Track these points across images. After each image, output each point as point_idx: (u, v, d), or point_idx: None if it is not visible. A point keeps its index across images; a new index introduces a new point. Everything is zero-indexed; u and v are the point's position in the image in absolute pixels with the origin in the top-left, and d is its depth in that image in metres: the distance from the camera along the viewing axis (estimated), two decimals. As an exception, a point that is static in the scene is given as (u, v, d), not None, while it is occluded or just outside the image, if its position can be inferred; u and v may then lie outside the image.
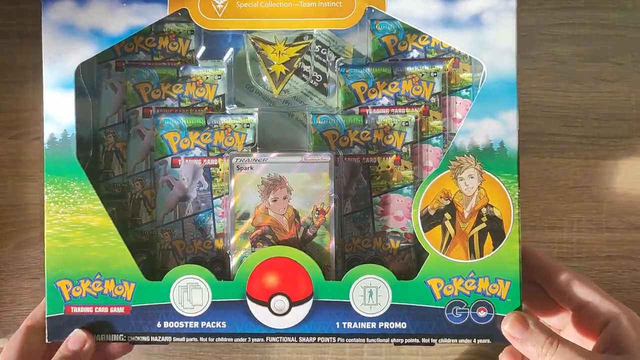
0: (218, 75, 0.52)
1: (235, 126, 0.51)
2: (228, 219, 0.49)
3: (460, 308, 0.48)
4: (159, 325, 0.48)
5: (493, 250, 0.48)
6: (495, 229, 0.48)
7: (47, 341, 0.48)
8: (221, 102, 0.52)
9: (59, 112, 0.49)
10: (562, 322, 0.50)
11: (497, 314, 0.48)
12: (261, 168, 0.49)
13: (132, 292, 0.49)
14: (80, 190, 0.49)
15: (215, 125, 0.51)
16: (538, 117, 0.63)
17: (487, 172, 0.48)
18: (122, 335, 0.49)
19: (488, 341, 0.48)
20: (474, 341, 0.48)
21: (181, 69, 0.52)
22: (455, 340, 0.48)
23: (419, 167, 0.52)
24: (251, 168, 0.49)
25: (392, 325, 0.48)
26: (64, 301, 0.49)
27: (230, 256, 0.49)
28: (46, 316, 0.49)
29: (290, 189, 0.49)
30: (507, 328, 0.46)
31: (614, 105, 0.63)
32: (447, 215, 0.48)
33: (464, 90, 0.52)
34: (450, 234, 0.48)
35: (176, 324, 0.49)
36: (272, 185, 0.49)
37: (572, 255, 0.63)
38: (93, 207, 0.49)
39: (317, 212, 0.49)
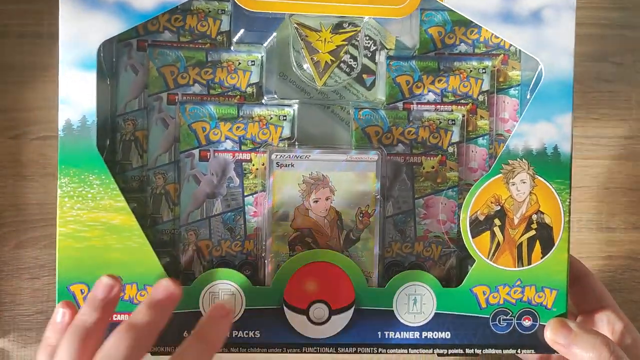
0: (252, 61, 0.47)
1: (271, 118, 0.46)
2: (265, 219, 0.45)
3: (505, 317, 0.46)
4: (186, 334, 0.44)
5: (541, 258, 0.46)
6: (544, 237, 0.46)
7: None
8: (254, 90, 0.47)
9: (77, 95, 0.43)
10: None
11: (542, 323, 0.46)
12: (303, 166, 0.45)
13: (157, 298, 0.43)
14: (100, 184, 0.43)
15: (248, 117, 0.46)
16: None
17: (539, 178, 0.46)
18: (146, 344, 0.44)
19: (532, 352, 0.46)
20: (519, 351, 0.46)
21: (211, 52, 0.47)
22: (500, 351, 0.46)
23: (463, 168, 0.49)
24: (292, 165, 0.45)
25: (435, 335, 0.46)
26: (78, 307, 0.43)
27: (265, 260, 0.45)
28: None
29: (334, 189, 0.45)
30: (550, 334, 0.44)
31: (614, 105, 0.63)
32: (497, 222, 0.46)
33: (512, 89, 0.49)
34: (498, 241, 0.46)
35: (205, 333, 0.44)
36: (314, 185, 0.45)
37: (572, 255, 0.63)
38: (114, 204, 0.43)
39: (361, 214, 0.45)
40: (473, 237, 0.45)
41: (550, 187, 0.46)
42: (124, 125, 0.47)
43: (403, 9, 0.44)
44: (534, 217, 0.46)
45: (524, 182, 0.45)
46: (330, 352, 0.45)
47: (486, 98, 0.48)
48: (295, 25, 0.45)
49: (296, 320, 0.44)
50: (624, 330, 0.46)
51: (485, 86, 0.48)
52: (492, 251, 0.46)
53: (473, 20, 0.45)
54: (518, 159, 0.45)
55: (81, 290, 0.43)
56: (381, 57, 0.48)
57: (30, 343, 0.60)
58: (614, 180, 0.64)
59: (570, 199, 0.46)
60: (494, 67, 0.49)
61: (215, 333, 0.40)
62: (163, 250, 0.47)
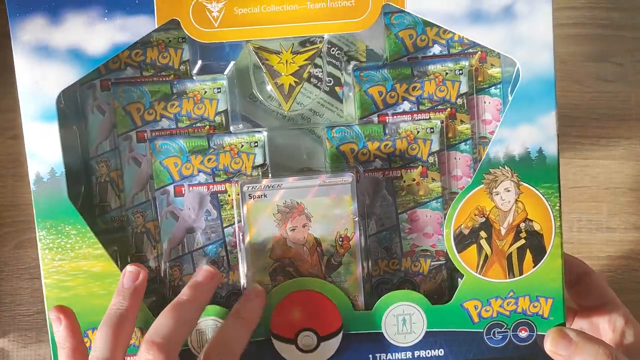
0: (218, 89, 0.46)
1: (242, 146, 0.45)
2: (243, 253, 0.44)
3: (500, 330, 0.45)
4: (177, 371, 0.44)
5: (533, 267, 0.44)
6: (535, 245, 0.44)
7: None
8: (224, 119, 0.46)
9: (42, 148, 0.43)
10: None
11: (539, 332, 0.44)
12: (275, 195, 0.44)
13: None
14: (77, 234, 0.43)
15: (219, 147, 0.45)
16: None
17: (524, 184, 0.43)
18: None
19: (531, 363, 0.45)
20: (517, 363, 0.45)
21: (175, 83, 0.46)
22: (497, 364, 0.45)
23: (446, 176, 0.47)
24: (264, 195, 0.44)
25: (428, 353, 0.45)
26: (72, 353, 0.44)
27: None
28: (54, 370, 0.45)
29: (310, 216, 0.44)
30: (550, 346, 0.43)
31: (614, 105, 0.62)
32: (483, 234, 0.44)
33: (493, 87, 0.46)
34: (486, 253, 0.44)
35: (196, 370, 0.45)
36: (289, 213, 0.44)
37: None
38: (93, 252, 0.43)
39: (340, 239, 0.44)
40: (459, 252, 0.44)
41: (538, 192, 0.43)
42: (97, 168, 0.46)
43: (363, 22, 0.42)
44: (522, 225, 0.44)
45: (508, 191, 0.43)
46: (323, 378, 0.45)
47: (465, 101, 0.46)
48: (254, 50, 0.44)
49: (285, 350, 0.44)
50: (624, 328, 0.45)
51: (464, 88, 0.46)
52: (481, 264, 0.44)
53: (440, 24, 0.42)
54: (500, 167, 0.43)
55: (72, 337, 0.44)
56: (350, 68, 0.46)
57: (30, 343, 0.62)
58: (614, 180, 0.62)
59: (560, 203, 0.43)
60: (472, 66, 0.46)
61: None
62: (150, 287, 0.47)
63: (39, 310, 0.61)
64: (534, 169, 0.43)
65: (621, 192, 0.63)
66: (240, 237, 0.45)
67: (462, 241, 0.44)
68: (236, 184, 0.45)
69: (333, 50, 0.47)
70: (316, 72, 0.46)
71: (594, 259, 0.62)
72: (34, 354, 0.62)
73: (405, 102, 0.46)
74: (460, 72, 0.46)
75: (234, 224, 0.46)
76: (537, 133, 0.43)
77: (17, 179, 0.60)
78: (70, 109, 0.45)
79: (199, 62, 0.45)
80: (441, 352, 0.45)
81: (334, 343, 0.44)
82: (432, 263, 0.47)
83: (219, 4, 0.42)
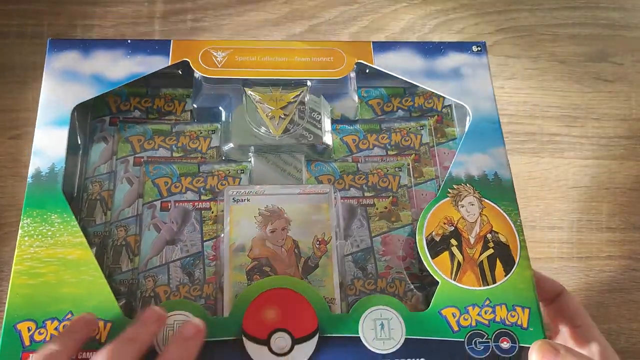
0: (212, 130, 0.52)
1: (229, 172, 0.50)
2: (221, 251, 0.45)
3: (481, 339, 0.43)
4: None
5: (505, 276, 0.45)
6: (504, 255, 0.46)
7: None
8: (215, 153, 0.51)
9: (49, 146, 0.46)
10: None
11: (522, 344, 0.43)
12: (258, 200, 0.47)
13: (107, 333, 0.41)
14: (61, 222, 0.44)
15: (208, 172, 0.49)
16: (538, 117, 0.61)
17: (486, 200, 0.47)
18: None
19: (517, 376, 0.42)
20: (502, 376, 0.42)
21: (175, 125, 0.52)
22: (482, 376, 0.42)
23: (416, 209, 0.50)
24: (248, 200, 0.47)
25: (409, 362, 0.42)
26: (22, 347, 0.40)
27: (222, 291, 0.44)
28: (-3, 366, 0.40)
29: (289, 220, 0.46)
30: (537, 357, 0.41)
31: (614, 105, 0.62)
32: (453, 241, 0.46)
33: (451, 142, 0.54)
34: (458, 260, 0.45)
35: (158, 370, 0.40)
36: (270, 217, 0.46)
37: (572, 255, 0.59)
38: (73, 240, 0.44)
39: (317, 242, 0.46)
40: (432, 258, 0.45)
41: (499, 209, 0.47)
42: (91, 187, 0.49)
43: (339, 72, 0.52)
44: (489, 236, 0.46)
45: (472, 205, 0.47)
46: (296, 387, 0.41)
47: (427, 149, 0.53)
48: (249, 93, 0.52)
49: (256, 352, 0.41)
50: (601, 349, 0.44)
51: (425, 139, 0.53)
52: (454, 271, 0.45)
53: (403, 77, 0.52)
54: (462, 184, 0.48)
55: (28, 328, 0.41)
56: (326, 125, 0.53)
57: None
58: (614, 180, 0.62)
59: (520, 220, 0.47)
60: (431, 125, 0.54)
61: (145, 334, 0.39)
62: (120, 296, 0.45)
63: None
64: (492, 189, 0.48)
65: (621, 192, 0.61)
66: (221, 237, 0.46)
67: (435, 247, 0.46)
68: (222, 202, 0.47)
69: (313, 114, 0.55)
70: (298, 121, 0.53)
71: (594, 258, 0.59)
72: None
73: (376, 148, 0.53)
74: (422, 128, 0.54)
75: (214, 238, 0.47)
76: (490, 160, 0.49)
77: (18, 179, 0.58)
78: (80, 139, 0.50)
79: (201, 97, 0.52)
80: (422, 361, 0.42)
81: (309, 346, 0.42)
82: (407, 285, 0.47)
83: (223, 52, 0.51)
